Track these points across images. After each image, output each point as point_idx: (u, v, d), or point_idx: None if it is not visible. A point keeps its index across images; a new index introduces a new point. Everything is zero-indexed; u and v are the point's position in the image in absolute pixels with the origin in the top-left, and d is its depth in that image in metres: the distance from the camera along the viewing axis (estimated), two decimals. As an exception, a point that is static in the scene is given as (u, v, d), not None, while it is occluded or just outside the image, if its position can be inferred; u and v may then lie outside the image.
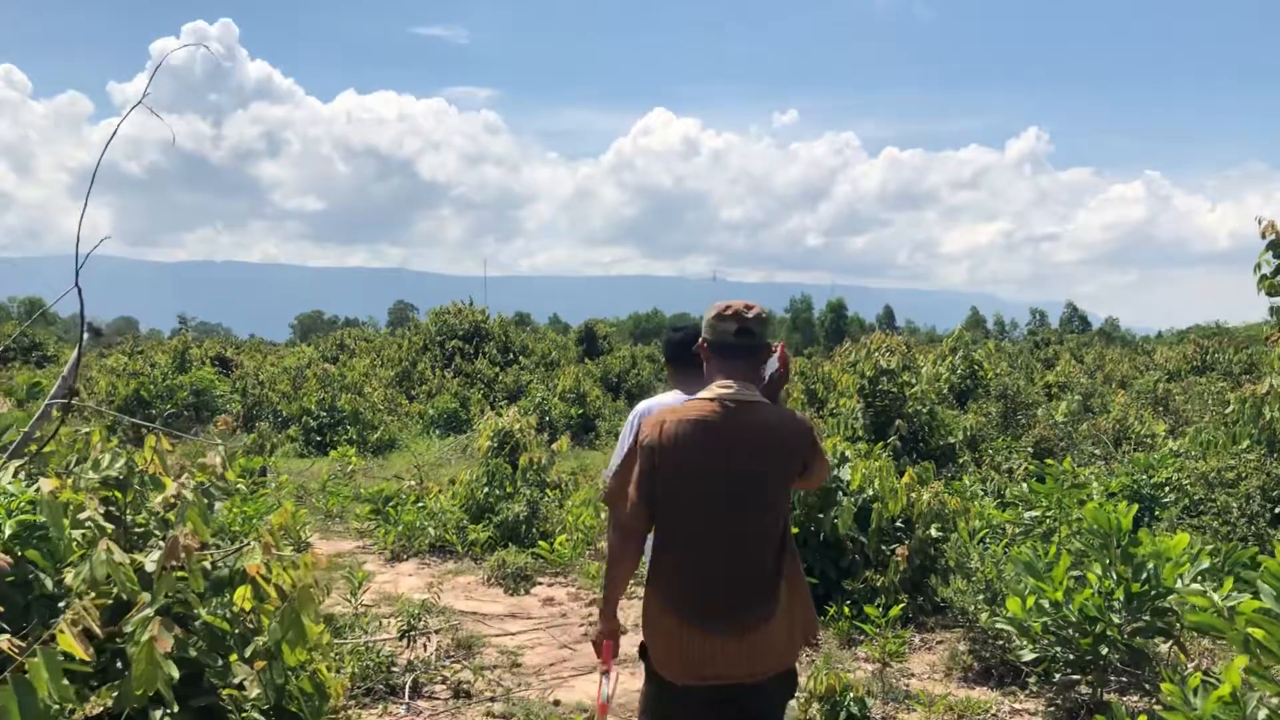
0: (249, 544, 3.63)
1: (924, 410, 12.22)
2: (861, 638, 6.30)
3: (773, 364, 3.17)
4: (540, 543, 8.85)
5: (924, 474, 7.76)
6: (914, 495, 7.09)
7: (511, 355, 26.40)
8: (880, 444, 9.74)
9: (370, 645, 5.90)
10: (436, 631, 6.31)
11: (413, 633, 5.66)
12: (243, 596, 3.39)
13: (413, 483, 11.65)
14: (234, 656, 3.42)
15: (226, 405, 21.68)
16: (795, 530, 6.73)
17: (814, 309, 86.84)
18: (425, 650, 5.87)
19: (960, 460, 12.15)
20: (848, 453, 7.57)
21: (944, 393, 15.24)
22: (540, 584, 8.29)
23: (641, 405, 4.02)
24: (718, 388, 3.04)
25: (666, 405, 3.49)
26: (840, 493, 7.13)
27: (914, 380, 12.54)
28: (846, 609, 6.50)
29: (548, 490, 10.26)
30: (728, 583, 2.96)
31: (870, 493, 7.11)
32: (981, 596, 5.86)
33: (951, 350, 17.55)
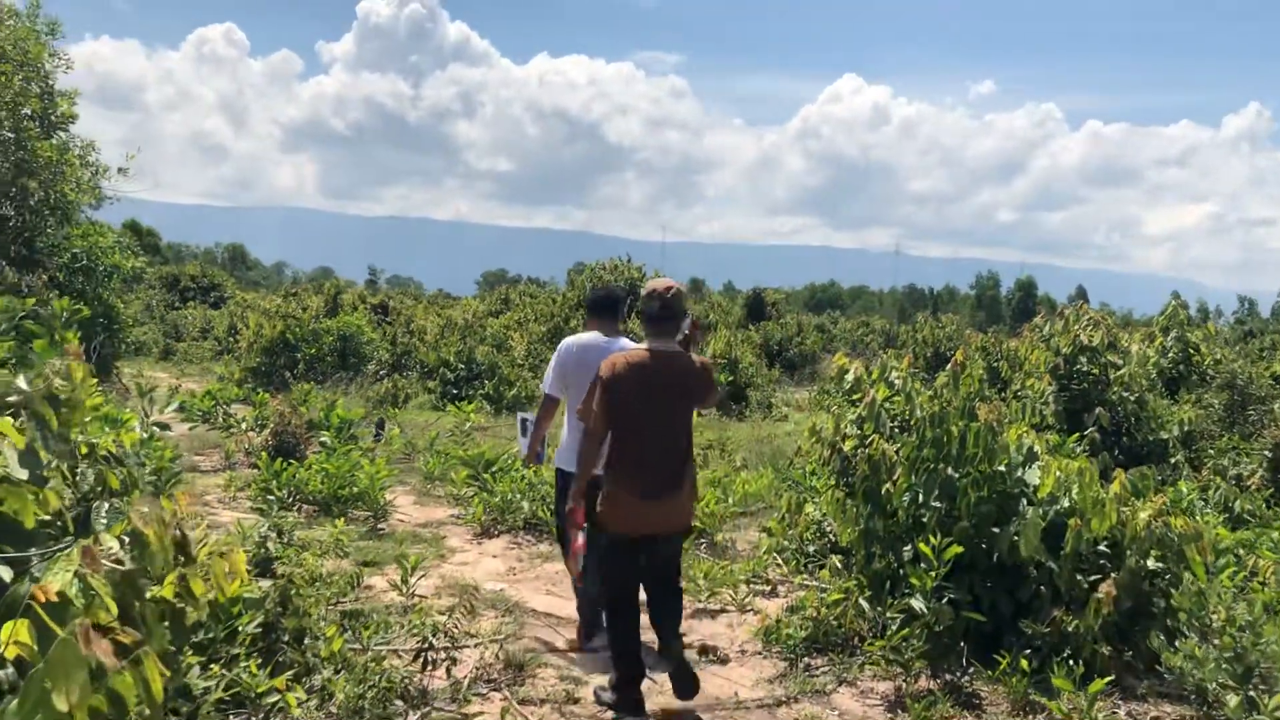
0: (68, 548, 2.34)
1: (1131, 398, 10.11)
2: (1042, 703, 4.57)
3: (686, 326, 4.56)
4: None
5: (1140, 482, 5.85)
6: (1125, 511, 5.23)
7: (667, 316, 25.02)
8: (1075, 436, 7.78)
9: (397, 654, 4.63)
10: (475, 645, 4.95)
11: (429, 651, 4.30)
12: (8, 638, 2.07)
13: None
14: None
15: (374, 353, 21.23)
16: (960, 549, 5.04)
17: (1001, 287, 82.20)
18: (454, 671, 4.51)
19: (1173, 460, 10.00)
20: (1035, 447, 5.64)
21: (1153, 379, 12.92)
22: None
23: (565, 340, 5.40)
24: (650, 341, 4.52)
25: (584, 343, 5.30)
26: (1024, 501, 5.34)
27: (1120, 361, 10.42)
28: (1024, 661, 4.71)
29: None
30: (661, 469, 4.42)
31: (1065, 504, 5.30)
32: (1226, 670, 4.06)
33: (1163, 330, 15.05)
